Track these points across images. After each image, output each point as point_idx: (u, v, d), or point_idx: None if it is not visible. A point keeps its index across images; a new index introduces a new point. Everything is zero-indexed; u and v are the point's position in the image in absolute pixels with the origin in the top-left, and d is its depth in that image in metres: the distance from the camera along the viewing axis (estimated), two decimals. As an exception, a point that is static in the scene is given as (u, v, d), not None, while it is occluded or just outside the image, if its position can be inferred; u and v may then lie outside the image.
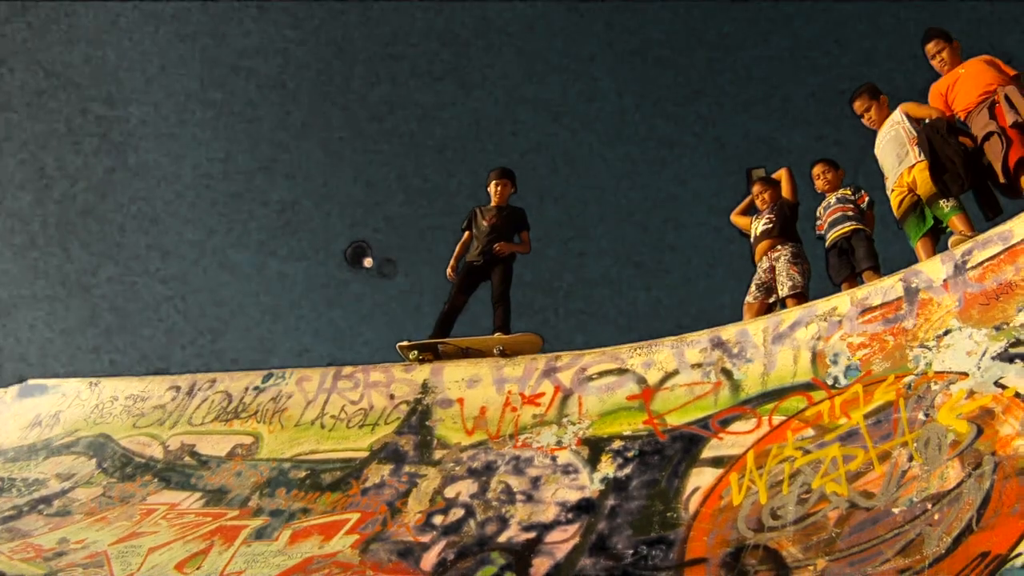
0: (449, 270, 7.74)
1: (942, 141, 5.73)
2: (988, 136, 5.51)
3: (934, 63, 6.15)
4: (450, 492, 5.21)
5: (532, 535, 4.59)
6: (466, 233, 7.82)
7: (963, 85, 5.83)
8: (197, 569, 4.96)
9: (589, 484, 4.87)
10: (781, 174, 7.13)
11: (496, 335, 6.85)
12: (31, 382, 9.67)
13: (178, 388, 7.91)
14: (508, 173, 7.94)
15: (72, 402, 8.74)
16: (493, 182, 7.86)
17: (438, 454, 5.67)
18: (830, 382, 4.76)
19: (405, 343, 7.00)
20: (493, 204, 7.82)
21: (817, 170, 6.89)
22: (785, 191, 7.01)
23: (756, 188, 7.14)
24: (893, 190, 6.09)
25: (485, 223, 7.64)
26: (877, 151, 6.37)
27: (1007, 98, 5.47)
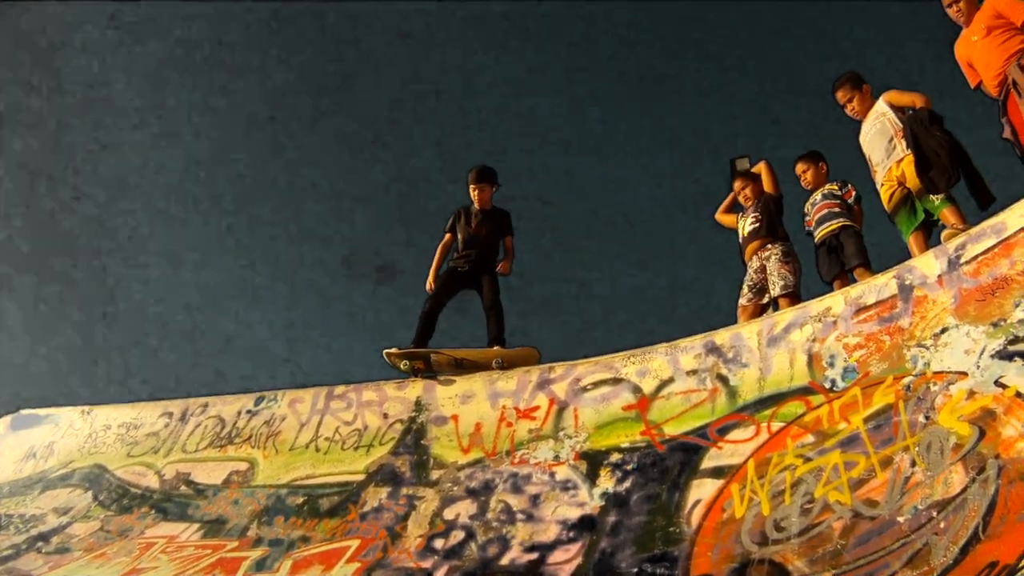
0: (429, 282, 7.32)
1: (925, 133, 5.62)
2: (1009, 144, 5.35)
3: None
4: (449, 514, 5.13)
5: (534, 556, 4.52)
6: (447, 236, 7.44)
7: (980, 62, 5.55)
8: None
9: (589, 500, 4.80)
10: (761, 167, 7.07)
11: (495, 348, 6.67)
12: (23, 412, 9.53)
13: (170, 414, 7.79)
14: (485, 175, 7.44)
15: (65, 432, 8.60)
16: (471, 186, 7.41)
17: (435, 474, 5.58)
18: (828, 385, 4.69)
19: (394, 350, 6.71)
20: (476, 208, 7.41)
21: (798, 169, 6.80)
22: (767, 185, 6.95)
23: (737, 185, 7.08)
24: (883, 184, 6.01)
25: (469, 229, 7.31)
26: (863, 142, 6.30)
27: (1015, 86, 5.21)
